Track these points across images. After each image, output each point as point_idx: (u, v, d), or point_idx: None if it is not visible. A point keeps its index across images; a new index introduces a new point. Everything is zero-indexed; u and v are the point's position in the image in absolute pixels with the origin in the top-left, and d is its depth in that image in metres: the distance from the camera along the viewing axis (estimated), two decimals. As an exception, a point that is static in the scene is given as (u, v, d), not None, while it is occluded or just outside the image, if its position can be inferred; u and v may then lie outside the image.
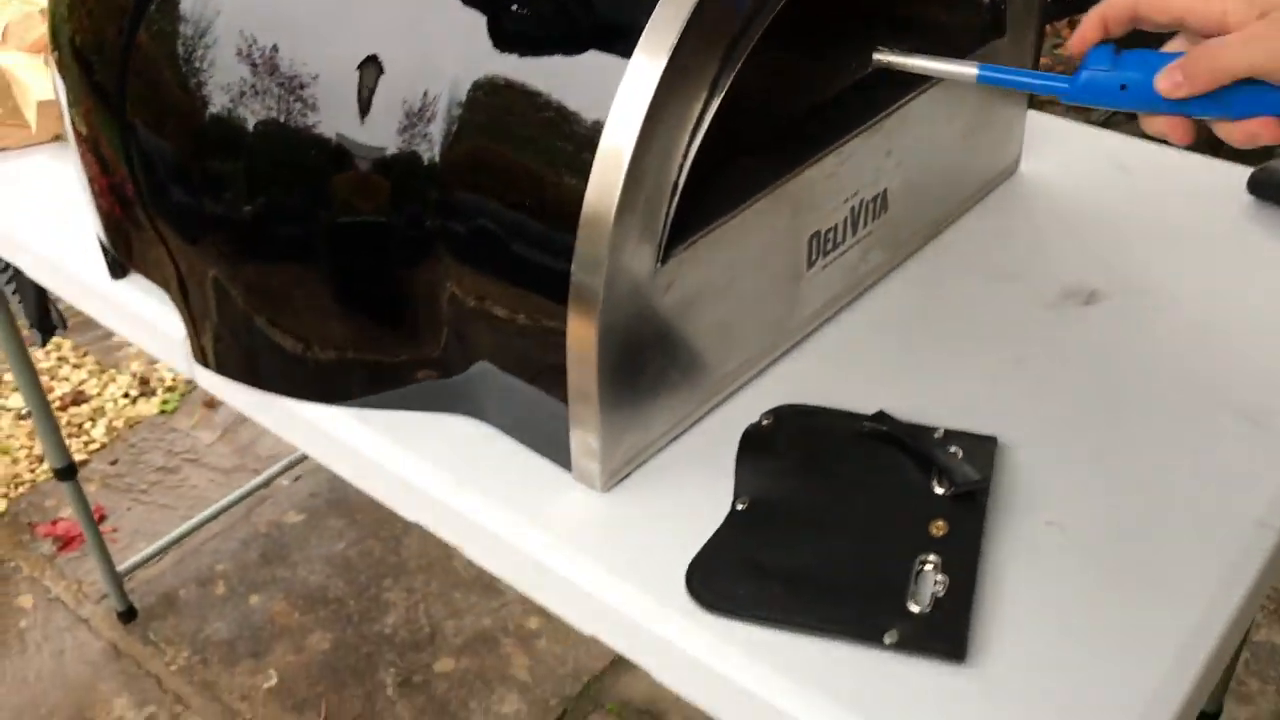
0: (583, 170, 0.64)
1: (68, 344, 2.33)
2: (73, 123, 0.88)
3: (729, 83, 0.66)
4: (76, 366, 2.28)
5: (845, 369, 0.83)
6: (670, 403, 0.76)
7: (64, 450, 1.59)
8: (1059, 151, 1.08)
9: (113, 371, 2.27)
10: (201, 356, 0.86)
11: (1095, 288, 0.90)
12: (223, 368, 0.85)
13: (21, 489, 2.02)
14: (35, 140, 1.12)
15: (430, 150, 0.72)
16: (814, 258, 0.82)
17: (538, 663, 1.68)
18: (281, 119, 0.73)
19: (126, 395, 2.21)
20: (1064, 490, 0.73)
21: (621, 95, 0.63)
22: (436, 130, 0.71)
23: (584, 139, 0.64)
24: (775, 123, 0.80)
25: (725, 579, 0.67)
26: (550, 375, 0.71)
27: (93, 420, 2.16)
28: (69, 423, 2.14)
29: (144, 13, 0.78)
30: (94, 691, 1.68)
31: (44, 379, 2.16)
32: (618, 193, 0.62)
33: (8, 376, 2.25)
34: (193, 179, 0.78)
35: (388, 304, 0.77)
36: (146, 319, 0.91)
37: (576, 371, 0.69)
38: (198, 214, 0.79)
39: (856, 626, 0.64)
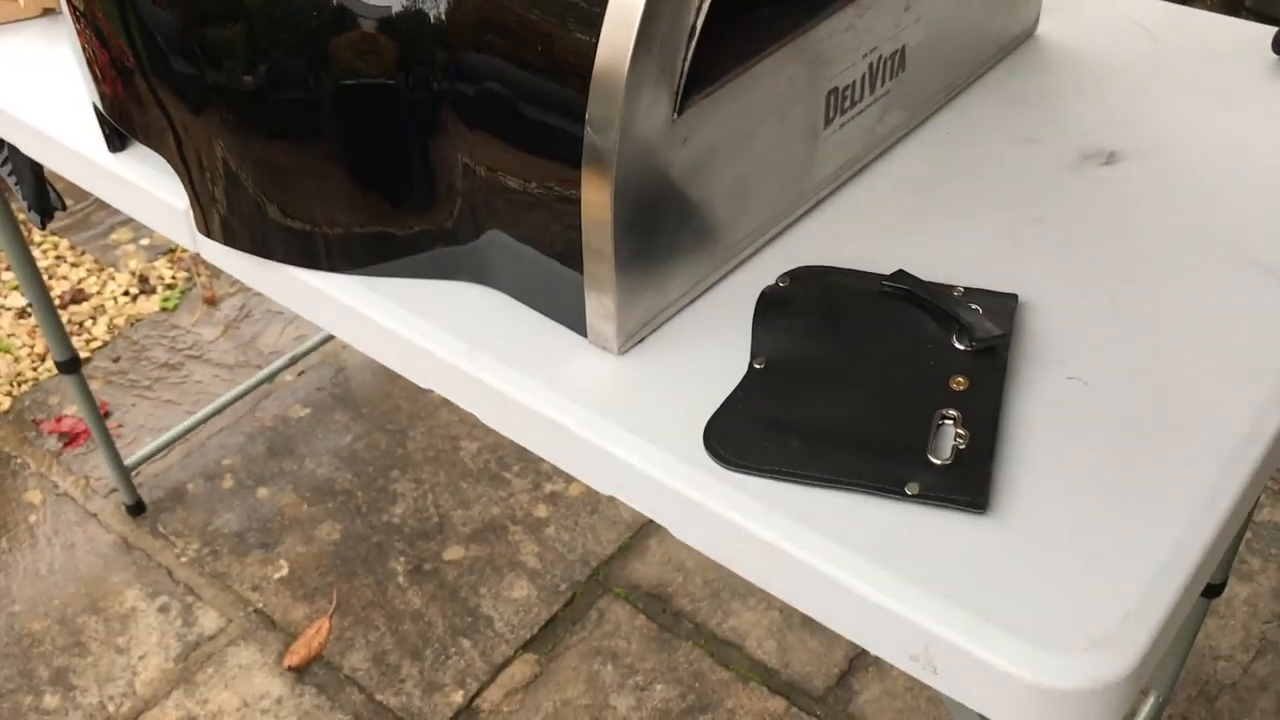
0: (594, 20, 0.62)
1: (64, 243, 2.31)
2: (66, -5, 0.85)
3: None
4: (74, 265, 2.26)
5: (863, 231, 0.82)
6: (686, 264, 0.75)
7: (67, 343, 1.58)
8: (1077, 13, 1.05)
9: (111, 270, 2.25)
10: (205, 228, 0.85)
11: (1115, 149, 0.88)
12: (229, 239, 0.84)
13: (24, 386, 2.02)
14: (24, 15, 1.09)
15: (436, 8, 0.69)
16: (832, 115, 0.80)
17: (546, 549, 1.70)
18: (281, -21, 0.71)
19: (126, 293, 2.19)
20: (1085, 346, 0.72)
21: (636, -66, 0.61)
22: (442, -13, 0.69)
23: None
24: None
25: (744, 436, 0.67)
26: (565, 238, 0.70)
27: (93, 318, 2.15)
28: (70, 321, 2.13)
29: None
30: (105, 583, 1.69)
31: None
32: (634, 32, 0.60)
33: (6, 275, 2.23)
34: (194, 48, 0.76)
35: (398, 175, 0.76)
36: (147, 190, 0.89)
37: (592, 229, 0.68)
38: (201, 84, 0.77)
39: (877, 478, 0.64)
